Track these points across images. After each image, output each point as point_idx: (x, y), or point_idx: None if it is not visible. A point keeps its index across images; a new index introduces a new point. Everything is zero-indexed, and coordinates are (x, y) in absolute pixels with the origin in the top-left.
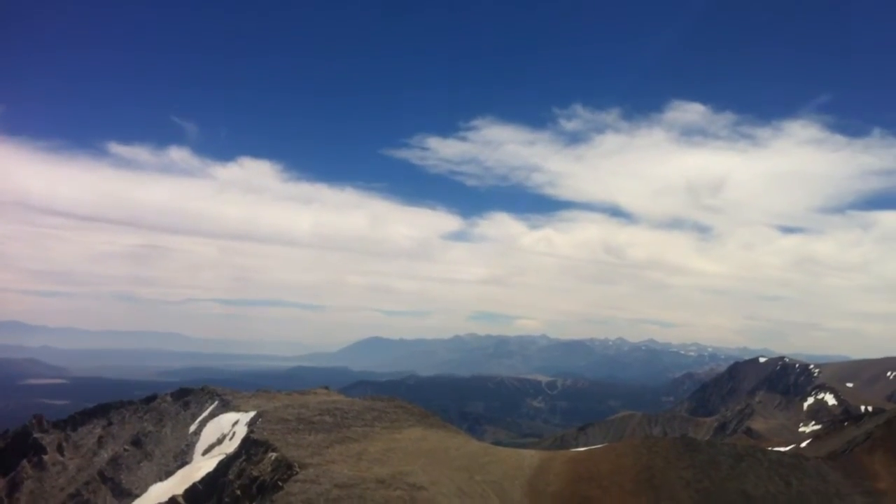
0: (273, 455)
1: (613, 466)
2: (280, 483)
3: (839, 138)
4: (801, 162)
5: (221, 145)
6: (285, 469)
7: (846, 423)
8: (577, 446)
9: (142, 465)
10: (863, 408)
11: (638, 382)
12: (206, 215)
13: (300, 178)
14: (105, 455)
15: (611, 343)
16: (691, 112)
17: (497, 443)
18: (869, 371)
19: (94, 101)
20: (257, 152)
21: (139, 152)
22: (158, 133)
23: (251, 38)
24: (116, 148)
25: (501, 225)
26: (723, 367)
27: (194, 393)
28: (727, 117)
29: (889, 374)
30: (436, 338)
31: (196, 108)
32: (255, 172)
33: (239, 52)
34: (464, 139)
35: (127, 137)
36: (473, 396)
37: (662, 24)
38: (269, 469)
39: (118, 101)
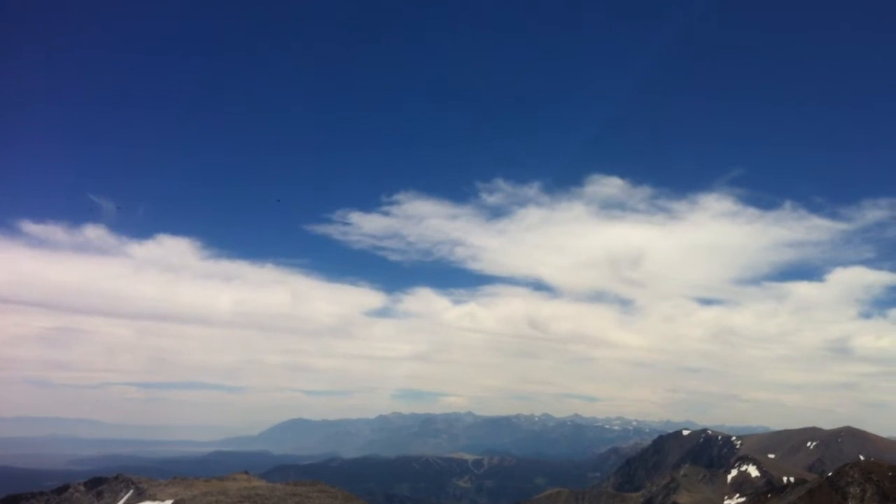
0: None
1: None
2: None
3: (752, 211)
4: (717, 234)
5: (138, 222)
6: None
7: (769, 495)
8: None
9: None
10: (785, 479)
11: (564, 458)
12: (123, 295)
13: (220, 256)
14: None
15: (536, 419)
16: (610, 186)
17: None
18: (789, 441)
19: (6, 179)
20: (175, 229)
21: (54, 231)
22: (73, 211)
23: (162, 112)
24: (30, 227)
25: (425, 300)
26: (647, 441)
27: (108, 482)
28: (644, 191)
29: (809, 444)
30: (360, 417)
31: (112, 184)
32: (174, 250)
33: (152, 125)
34: (386, 214)
35: (41, 215)
36: (399, 478)
37: (580, 99)
38: None
39: (31, 179)
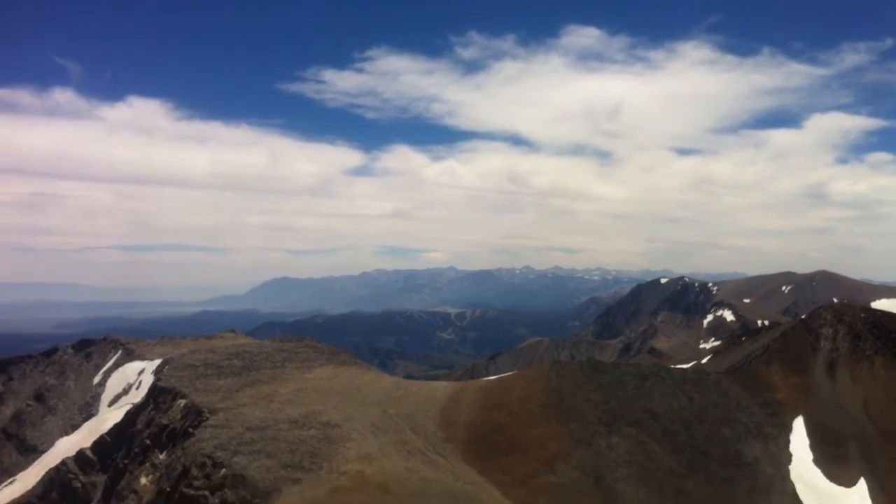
0: (182, 402)
1: (523, 393)
2: (191, 429)
3: (730, 58)
4: (695, 83)
5: (107, 85)
6: (195, 415)
7: (744, 338)
8: (487, 375)
9: (46, 419)
10: (759, 322)
11: (545, 309)
12: (97, 159)
13: (193, 117)
14: (7, 412)
15: (518, 272)
16: (586, 36)
17: (409, 377)
18: (765, 286)
19: None
20: (146, 91)
21: (21, 95)
22: (40, 74)
23: None
24: None
25: (403, 158)
26: (626, 290)
27: (96, 343)
28: (622, 40)
29: (784, 288)
30: (344, 275)
31: (77, 45)
32: (146, 112)
33: None
34: (360, 71)
35: (6, 79)
36: (384, 332)
37: None
38: (178, 416)
39: None
